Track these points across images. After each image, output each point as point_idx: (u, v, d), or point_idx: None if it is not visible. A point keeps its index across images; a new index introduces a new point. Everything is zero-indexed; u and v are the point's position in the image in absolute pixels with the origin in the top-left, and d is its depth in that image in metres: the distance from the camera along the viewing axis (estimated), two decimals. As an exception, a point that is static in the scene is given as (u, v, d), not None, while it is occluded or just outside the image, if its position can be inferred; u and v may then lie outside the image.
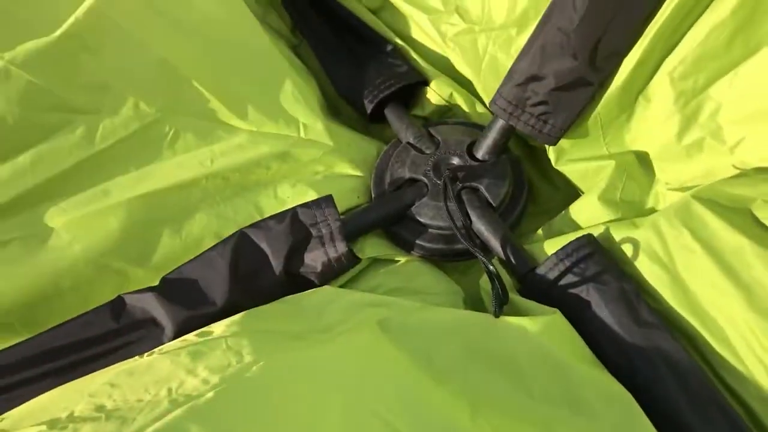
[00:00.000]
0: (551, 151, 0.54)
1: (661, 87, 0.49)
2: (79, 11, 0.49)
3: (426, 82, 0.61)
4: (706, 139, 0.49)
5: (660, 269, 0.45)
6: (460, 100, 0.61)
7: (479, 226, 0.52)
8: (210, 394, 0.35)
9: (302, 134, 0.56)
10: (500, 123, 0.53)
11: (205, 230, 0.50)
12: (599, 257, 0.46)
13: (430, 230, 0.53)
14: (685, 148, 0.50)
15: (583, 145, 0.53)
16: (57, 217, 0.46)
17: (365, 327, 0.44)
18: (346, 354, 0.41)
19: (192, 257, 0.48)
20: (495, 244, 0.51)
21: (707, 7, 0.46)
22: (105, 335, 0.44)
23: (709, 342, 0.43)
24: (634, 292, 0.44)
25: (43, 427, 0.35)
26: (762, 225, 0.44)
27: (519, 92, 0.50)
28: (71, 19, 0.48)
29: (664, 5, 0.46)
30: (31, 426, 0.35)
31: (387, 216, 0.54)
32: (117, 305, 0.45)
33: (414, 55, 0.62)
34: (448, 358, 0.43)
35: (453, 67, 0.61)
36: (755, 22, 0.46)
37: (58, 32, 0.48)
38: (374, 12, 0.65)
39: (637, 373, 0.42)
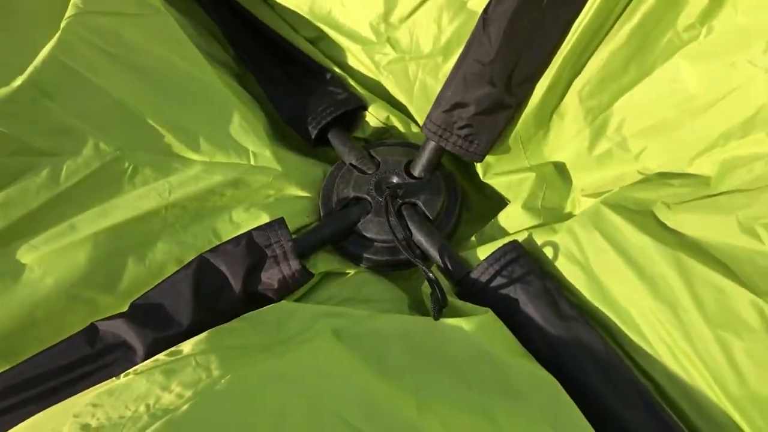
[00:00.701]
0: (479, 167, 0.59)
1: (571, 106, 0.55)
2: (38, 60, 0.52)
3: (364, 107, 0.66)
4: (614, 150, 0.55)
5: (577, 268, 0.51)
6: (397, 122, 0.66)
7: (419, 237, 0.57)
8: (185, 407, 0.39)
9: (252, 162, 0.60)
10: (432, 144, 0.58)
11: (167, 257, 0.53)
12: (524, 260, 0.51)
13: (375, 244, 0.58)
14: (596, 158, 0.56)
15: (506, 159, 0.58)
16: (28, 253, 0.49)
17: (321, 336, 0.48)
18: (306, 362, 0.45)
19: (156, 283, 0.51)
20: (433, 253, 0.56)
21: (605, 36, 0.52)
22: (81, 360, 0.47)
23: (621, 329, 0.49)
24: (556, 290, 0.50)
25: (34, 447, 0.38)
26: (662, 224, 0.50)
27: (446, 117, 0.55)
28: (30, 68, 0.51)
29: (569, 36, 0.51)
30: (23, 447, 0.38)
31: (335, 233, 0.58)
32: (90, 332, 0.48)
33: (352, 83, 0.67)
34: (396, 359, 0.47)
35: (388, 92, 0.66)
36: (646, 48, 0.52)
37: (19, 81, 0.51)
38: (312, 42, 0.70)
39: (561, 360, 0.48)
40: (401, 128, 0.65)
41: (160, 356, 0.45)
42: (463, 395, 0.46)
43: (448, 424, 0.43)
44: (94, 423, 0.39)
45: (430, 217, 0.58)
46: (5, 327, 0.47)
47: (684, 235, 0.48)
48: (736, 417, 0.44)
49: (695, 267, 0.47)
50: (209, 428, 0.38)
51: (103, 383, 0.44)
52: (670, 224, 0.49)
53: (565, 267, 0.50)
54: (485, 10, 0.51)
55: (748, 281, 0.45)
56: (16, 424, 0.42)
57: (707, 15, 0.50)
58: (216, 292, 0.51)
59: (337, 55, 0.69)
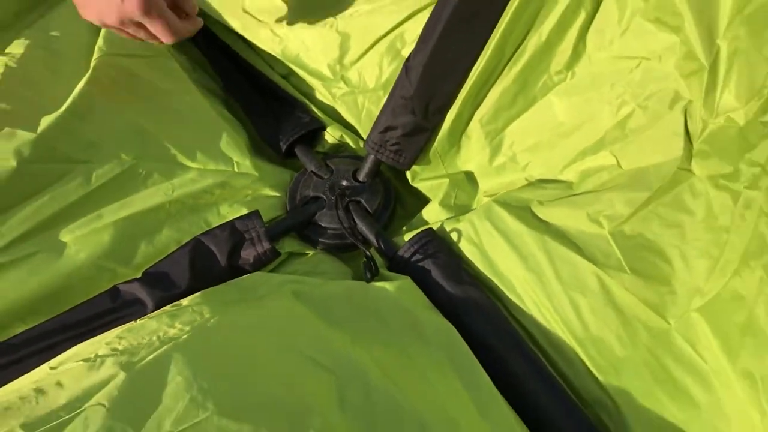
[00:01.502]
0: (408, 174, 0.76)
1: (475, 130, 0.72)
2: (75, 92, 0.68)
3: (323, 128, 0.83)
4: (507, 163, 0.72)
5: (474, 248, 0.67)
6: (348, 140, 0.82)
7: (361, 226, 0.73)
8: (185, 336, 0.55)
9: (236, 169, 0.76)
10: (372, 157, 0.75)
11: (170, 239, 0.69)
12: (435, 242, 0.68)
13: (328, 231, 0.74)
14: (495, 169, 0.73)
15: (428, 169, 0.75)
16: (67, 235, 0.65)
17: (285, 296, 0.64)
18: (274, 312, 0.61)
19: (162, 257, 0.67)
20: (371, 238, 0.72)
21: (498, 78, 0.69)
22: (107, 311, 0.62)
23: (504, 292, 0.65)
24: (457, 263, 0.66)
25: (81, 362, 0.53)
26: (536, 216, 0.67)
27: (381, 137, 0.72)
28: (70, 99, 0.68)
29: (469, 77, 0.68)
30: (73, 363, 0.54)
31: (298, 223, 0.75)
32: (113, 292, 0.64)
33: (314, 109, 0.84)
34: (339, 312, 0.63)
35: (342, 117, 0.83)
36: (528, 87, 0.69)
37: (62, 108, 0.67)
38: (285, 77, 0.86)
39: (459, 314, 0.64)
40: (351, 144, 0.82)
41: (166, 308, 0.61)
42: (386, 337, 0.62)
43: (374, 357, 0.59)
44: (121, 347, 0.55)
45: (370, 211, 0.75)
46: (51, 288, 0.63)
47: (550, 224, 0.65)
48: (581, 353, 0.60)
49: (556, 247, 0.63)
50: (202, 350, 0.54)
51: (124, 325, 0.59)
52: (541, 216, 0.66)
53: (465, 247, 0.67)
54: (407, 59, 0.69)
55: (591, 257, 0.62)
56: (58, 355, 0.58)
57: (571, 64, 0.67)
58: (207, 265, 0.67)
59: (303, 87, 0.85)
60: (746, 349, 0.55)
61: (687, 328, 0.58)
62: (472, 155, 0.73)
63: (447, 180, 0.73)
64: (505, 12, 0.66)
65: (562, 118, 0.68)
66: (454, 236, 0.68)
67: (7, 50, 0.75)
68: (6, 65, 0.71)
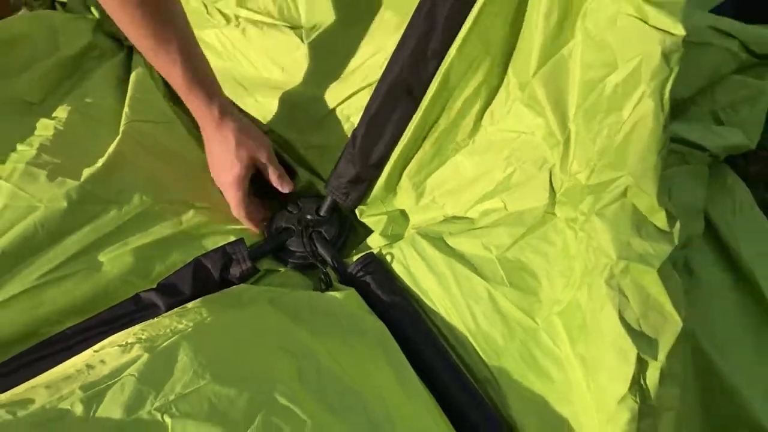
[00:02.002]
0: (357, 211, 0.99)
1: (405, 181, 0.95)
2: (109, 150, 0.91)
3: (296, 173, 1.06)
4: (429, 204, 0.95)
5: (402, 268, 0.89)
6: (316, 183, 1.06)
7: (321, 250, 0.96)
8: (190, 330, 0.77)
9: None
10: (330, 197, 0.98)
11: (177, 260, 0.91)
12: (375, 263, 0.90)
13: (296, 253, 0.97)
14: (420, 208, 0.96)
15: (372, 207, 0.98)
16: (103, 257, 0.87)
17: (263, 301, 0.86)
18: (254, 313, 0.83)
19: (171, 273, 0.90)
20: (328, 259, 0.95)
21: (421, 144, 0.92)
22: (131, 312, 0.85)
23: (424, 302, 0.86)
24: (390, 279, 0.89)
25: (116, 347, 0.76)
26: (447, 245, 0.90)
27: (336, 183, 0.95)
28: (105, 155, 0.91)
29: (397, 147, 0.91)
30: (110, 348, 0.76)
31: (273, 247, 0.98)
32: (136, 298, 0.86)
33: (288, 158, 1.07)
34: (303, 314, 0.85)
35: (310, 165, 1.07)
36: (442, 150, 0.92)
37: (99, 162, 0.90)
38: (265, 133, 1.10)
39: (390, 317, 0.86)
40: (318, 188, 1.05)
41: (175, 309, 0.84)
42: (336, 333, 0.84)
43: (326, 347, 0.81)
44: (144, 336, 0.77)
45: (328, 239, 0.98)
46: (91, 296, 0.85)
47: (456, 250, 0.88)
48: (474, 344, 0.83)
49: (460, 268, 0.86)
50: (202, 339, 0.76)
51: (145, 321, 0.82)
52: (450, 244, 0.89)
53: (396, 267, 0.90)
54: (353, 134, 0.92)
55: (483, 275, 0.85)
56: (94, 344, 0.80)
57: (472, 134, 0.90)
58: (205, 278, 0.89)
59: (280, 142, 1.09)
60: (581, 341, 0.78)
61: (549, 327, 0.81)
62: (403, 199, 0.96)
63: (386, 216, 0.96)
64: (426, 93, 0.89)
65: (468, 172, 0.91)
66: (388, 258, 0.91)
67: (54, 114, 0.99)
68: (55, 128, 0.94)
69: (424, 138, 0.91)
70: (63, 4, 1.34)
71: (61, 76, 1.09)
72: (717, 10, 1.40)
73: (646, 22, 0.74)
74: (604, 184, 0.77)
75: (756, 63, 1.28)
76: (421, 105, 0.89)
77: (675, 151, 1.10)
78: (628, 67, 0.75)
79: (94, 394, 0.67)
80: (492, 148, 0.89)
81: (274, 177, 0.97)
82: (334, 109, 1.02)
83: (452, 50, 0.85)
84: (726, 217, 1.11)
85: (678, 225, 0.76)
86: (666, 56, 0.73)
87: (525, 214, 0.85)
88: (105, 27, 1.24)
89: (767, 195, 1.24)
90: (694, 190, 1.06)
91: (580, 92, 0.80)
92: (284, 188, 0.97)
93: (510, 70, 0.86)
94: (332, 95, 1.02)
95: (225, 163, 0.94)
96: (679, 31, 0.73)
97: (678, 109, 1.17)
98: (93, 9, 1.27)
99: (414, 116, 0.90)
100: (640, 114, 0.74)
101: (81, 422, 0.65)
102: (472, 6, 0.82)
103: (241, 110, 1.09)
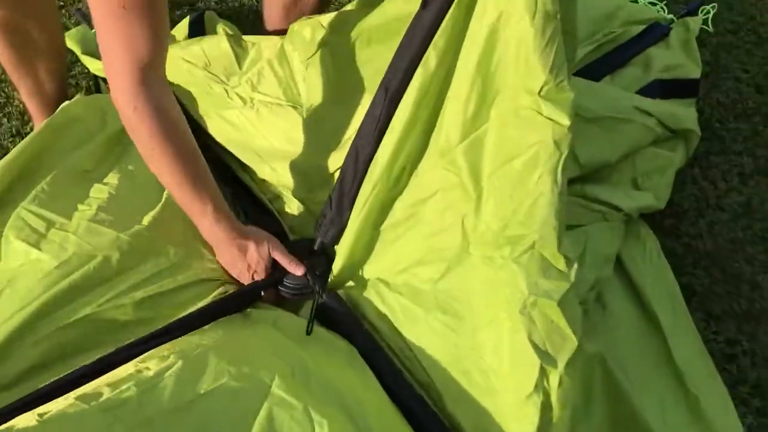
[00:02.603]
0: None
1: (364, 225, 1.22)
2: (153, 213, 1.20)
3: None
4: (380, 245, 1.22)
5: (361, 301, 1.17)
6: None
7: (313, 283, 1.22)
8: (212, 343, 1.04)
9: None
10: (319, 237, 1.23)
11: (199, 298, 1.20)
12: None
13: (292, 285, 1.21)
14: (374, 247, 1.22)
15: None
16: (143, 294, 1.13)
17: (266, 323, 1.13)
18: (261, 331, 1.11)
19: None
20: (318, 289, 1.20)
21: (390, 208, 1.20)
22: (165, 333, 1.13)
23: (379, 327, 1.14)
24: (351, 311, 1.17)
25: (155, 358, 1.01)
26: (393, 284, 1.16)
27: (321, 224, 1.22)
28: (150, 217, 1.20)
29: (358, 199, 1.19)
30: (155, 357, 1.02)
31: (278, 279, 1.23)
32: (171, 324, 1.14)
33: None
34: (297, 333, 1.13)
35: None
36: (386, 205, 1.19)
37: (145, 223, 1.19)
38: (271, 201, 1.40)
39: (354, 339, 1.13)
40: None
41: (197, 330, 1.11)
42: (319, 346, 1.10)
43: (313, 357, 1.07)
44: (177, 349, 1.03)
45: (318, 273, 1.20)
46: (135, 321, 1.12)
47: (403, 289, 1.14)
48: (417, 357, 1.10)
49: (405, 303, 1.12)
50: (223, 349, 1.03)
51: (175, 340, 1.08)
52: (396, 283, 1.16)
53: (358, 301, 1.18)
54: (333, 188, 1.21)
55: (420, 304, 1.11)
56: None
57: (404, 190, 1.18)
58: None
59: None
60: (499, 355, 1.04)
61: (474, 343, 1.06)
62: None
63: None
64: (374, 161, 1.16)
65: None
66: (353, 294, 1.20)
67: (105, 180, 1.28)
68: (109, 192, 1.23)
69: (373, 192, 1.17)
70: (105, 80, 1.65)
71: (109, 148, 1.39)
72: (645, 90, 1.72)
73: (541, 114, 1.02)
74: (517, 237, 1.05)
75: (670, 136, 1.59)
76: (370, 171, 1.16)
77: (596, 210, 1.40)
78: (529, 152, 1.03)
79: (146, 388, 0.93)
80: (423, 201, 1.16)
81: (287, 266, 1.22)
82: (334, 173, 1.30)
83: (393, 133, 1.12)
84: (637, 262, 1.40)
85: (575, 267, 1.03)
86: (557, 143, 1.02)
87: (445, 250, 1.12)
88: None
89: (677, 245, 1.52)
90: (608, 241, 1.35)
91: (492, 165, 1.08)
92: (297, 272, 1.21)
93: (432, 142, 1.13)
94: (332, 161, 1.31)
95: (248, 270, 1.21)
96: (566, 122, 1.01)
97: (604, 174, 1.48)
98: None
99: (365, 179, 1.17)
100: (541, 189, 1.03)
101: (137, 407, 0.92)
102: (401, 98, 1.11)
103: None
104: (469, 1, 1.07)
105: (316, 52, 1.37)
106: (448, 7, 1.06)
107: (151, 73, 1.05)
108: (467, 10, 1.07)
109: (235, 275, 1.22)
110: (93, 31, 1.68)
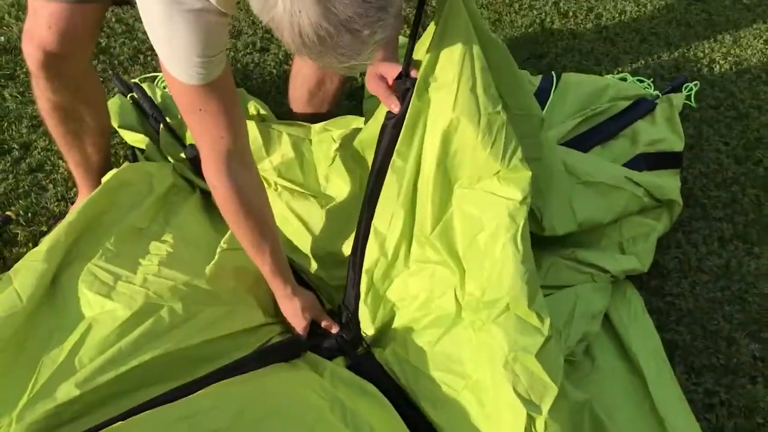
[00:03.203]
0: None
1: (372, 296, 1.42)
2: (210, 268, 1.41)
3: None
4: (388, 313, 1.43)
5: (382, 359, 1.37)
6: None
7: (344, 347, 1.43)
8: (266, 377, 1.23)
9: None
10: (345, 310, 1.46)
11: (248, 344, 1.39)
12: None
13: (328, 348, 1.43)
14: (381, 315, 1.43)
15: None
16: (201, 338, 1.33)
17: (306, 368, 1.33)
18: (302, 376, 1.29)
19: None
20: (350, 352, 1.42)
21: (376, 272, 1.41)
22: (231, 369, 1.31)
23: (396, 376, 1.35)
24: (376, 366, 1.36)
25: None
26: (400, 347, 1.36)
27: (345, 298, 1.45)
28: (207, 271, 1.40)
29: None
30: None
31: (317, 343, 1.44)
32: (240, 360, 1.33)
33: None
34: (333, 378, 1.32)
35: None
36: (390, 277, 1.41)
37: (202, 277, 1.38)
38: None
39: (379, 385, 1.32)
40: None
41: (250, 372, 1.30)
42: (351, 388, 1.29)
43: (349, 397, 1.25)
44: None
45: (347, 339, 1.43)
46: (197, 359, 1.32)
47: (410, 349, 1.35)
48: (423, 403, 1.29)
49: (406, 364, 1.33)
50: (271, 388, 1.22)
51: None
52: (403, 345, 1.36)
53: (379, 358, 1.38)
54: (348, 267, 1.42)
55: (421, 364, 1.32)
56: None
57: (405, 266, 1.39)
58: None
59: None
60: (488, 405, 1.22)
61: (466, 395, 1.26)
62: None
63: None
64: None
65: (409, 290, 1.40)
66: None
67: (163, 238, 1.48)
68: (167, 250, 1.43)
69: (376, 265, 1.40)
70: (142, 150, 1.86)
71: (158, 208, 1.60)
72: (632, 162, 1.93)
73: (495, 194, 1.22)
74: (493, 301, 1.25)
75: (655, 205, 1.79)
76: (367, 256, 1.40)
77: (586, 272, 1.60)
78: (490, 228, 1.25)
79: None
80: (416, 281, 1.38)
81: (325, 324, 1.46)
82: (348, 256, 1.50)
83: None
84: (623, 319, 1.59)
85: (548, 321, 1.22)
86: (512, 216, 1.23)
87: (442, 318, 1.33)
88: (178, 171, 1.75)
89: (661, 303, 1.71)
90: (596, 300, 1.55)
91: (463, 243, 1.30)
92: (333, 330, 1.46)
93: (416, 230, 1.35)
94: (346, 247, 1.52)
95: (296, 319, 1.44)
96: (518, 197, 1.22)
97: (593, 238, 1.68)
98: (169, 157, 1.78)
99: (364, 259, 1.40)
100: (504, 258, 1.24)
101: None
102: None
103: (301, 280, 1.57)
104: (419, 112, 1.29)
105: (334, 159, 1.61)
106: (404, 117, 1.29)
107: (228, 157, 1.26)
108: (418, 120, 1.29)
109: (291, 323, 1.46)
110: (129, 101, 1.91)
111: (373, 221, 1.39)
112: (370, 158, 1.44)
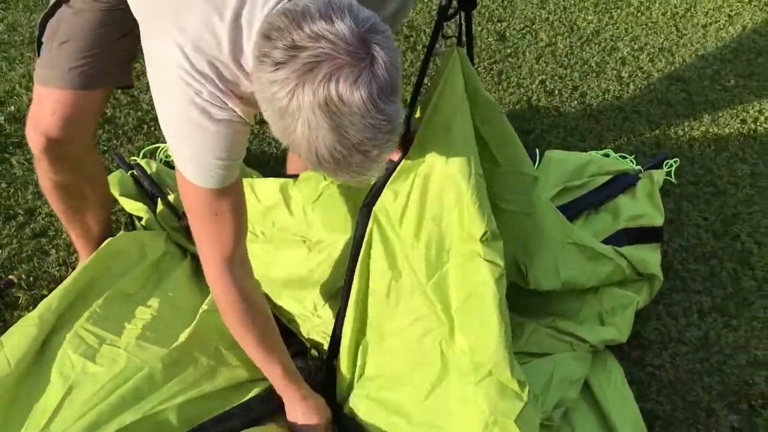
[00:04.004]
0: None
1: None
2: (189, 330, 1.45)
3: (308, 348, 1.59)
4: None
5: (361, 416, 1.40)
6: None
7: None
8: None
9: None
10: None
11: (228, 403, 1.42)
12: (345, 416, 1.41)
13: None
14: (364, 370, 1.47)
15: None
16: (183, 398, 1.37)
17: None
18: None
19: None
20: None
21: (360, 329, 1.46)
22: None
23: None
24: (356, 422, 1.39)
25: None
26: (385, 401, 1.39)
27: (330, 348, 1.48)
28: (186, 334, 1.44)
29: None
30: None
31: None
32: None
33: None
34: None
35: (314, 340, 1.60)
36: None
37: (182, 338, 1.43)
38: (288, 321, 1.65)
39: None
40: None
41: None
42: None
43: None
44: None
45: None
46: (177, 427, 1.35)
47: (391, 403, 1.38)
48: None
49: (394, 418, 1.36)
50: None
51: None
52: (387, 399, 1.39)
53: (359, 415, 1.41)
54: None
55: (408, 420, 1.35)
56: None
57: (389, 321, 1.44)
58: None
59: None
60: None
61: None
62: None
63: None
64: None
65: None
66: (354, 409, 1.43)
67: (148, 303, 1.53)
68: (152, 314, 1.48)
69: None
70: (139, 218, 1.93)
71: (148, 275, 1.66)
72: (615, 237, 2.00)
73: (482, 257, 1.29)
74: (479, 363, 1.29)
75: (637, 279, 1.85)
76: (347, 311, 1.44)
77: (566, 341, 1.64)
78: (478, 290, 1.31)
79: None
80: (400, 332, 1.41)
81: None
82: (335, 294, 1.55)
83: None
84: (603, 389, 1.63)
85: (527, 388, 1.26)
86: (497, 282, 1.29)
87: (427, 374, 1.36)
88: (172, 238, 1.81)
89: (642, 373, 1.75)
90: (575, 368, 1.59)
91: (457, 299, 1.35)
92: None
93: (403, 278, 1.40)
94: (333, 286, 1.57)
95: (307, 417, 1.41)
96: (501, 263, 1.29)
97: (573, 307, 1.73)
98: (165, 226, 1.85)
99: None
100: (491, 322, 1.29)
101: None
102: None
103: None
104: (412, 166, 1.35)
105: (318, 197, 1.66)
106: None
107: (232, 261, 1.27)
108: (411, 171, 1.36)
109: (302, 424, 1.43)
110: (129, 174, 2.00)
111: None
112: (355, 198, 1.50)
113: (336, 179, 1.03)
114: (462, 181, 1.30)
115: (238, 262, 1.29)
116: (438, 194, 1.33)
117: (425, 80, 1.43)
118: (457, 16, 1.35)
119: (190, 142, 1.14)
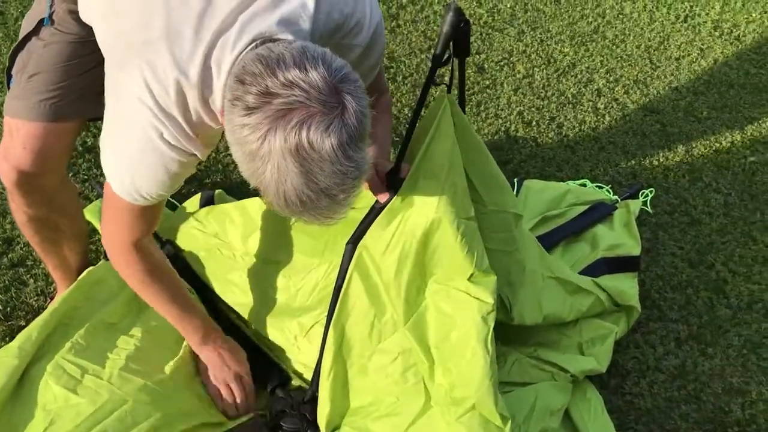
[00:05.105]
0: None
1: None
2: (172, 364, 1.45)
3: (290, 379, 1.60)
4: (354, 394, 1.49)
5: None
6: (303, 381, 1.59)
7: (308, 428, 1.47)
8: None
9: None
10: (311, 389, 1.51)
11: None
12: None
13: (288, 428, 1.47)
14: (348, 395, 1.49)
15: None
16: (169, 429, 1.38)
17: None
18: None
19: None
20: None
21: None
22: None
23: None
24: None
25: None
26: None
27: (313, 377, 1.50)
28: (170, 367, 1.45)
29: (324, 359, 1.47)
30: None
31: (275, 424, 1.48)
32: None
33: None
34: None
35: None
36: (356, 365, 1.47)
37: (167, 372, 1.43)
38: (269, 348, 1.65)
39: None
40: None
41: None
42: None
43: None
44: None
45: (310, 419, 1.47)
46: None
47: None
48: None
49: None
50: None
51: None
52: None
53: None
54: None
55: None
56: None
57: (370, 357, 1.46)
58: None
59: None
60: None
61: None
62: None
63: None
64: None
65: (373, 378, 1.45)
66: None
67: (131, 333, 1.53)
68: (135, 345, 1.49)
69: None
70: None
71: (130, 304, 1.66)
72: (593, 267, 2.04)
73: (469, 294, 1.32)
74: (461, 398, 1.32)
75: (615, 310, 1.89)
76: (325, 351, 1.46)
77: (548, 371, 1.67)
78: (463, 328, 1.33)
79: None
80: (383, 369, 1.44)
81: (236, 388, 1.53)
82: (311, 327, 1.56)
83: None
84: (584, 419, 1.66)
85: (509, 423, 1.29)
86: (484, 319, 1.32)
87: (410, 406, 1.38)
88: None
89: (621, 402, 1.78)
90: (555, 397, 1.62)
91: (435, 338, 1.38)
92: (238, 399, 1.52)
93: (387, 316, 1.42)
94: (311, 317, 1.57)
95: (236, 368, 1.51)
96: (490, 300, 1.32)
97: (554, 338, 1.77)
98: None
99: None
100: (475, 358, 1.32)
101: None
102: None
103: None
104: (399, 208, 1.38)
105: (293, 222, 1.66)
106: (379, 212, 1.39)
107: (140, 241, 1.35)
108: (397, 213, 1.38)
109: (218, 383, 1.49)
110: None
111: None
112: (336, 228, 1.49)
113: (301, 221, 1.06)
114: (449, 227, 1.33)
115: (146, 241, 1.38)
116: (422, 237, 1.36)
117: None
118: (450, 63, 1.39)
119: (135, 172, 1.18)
